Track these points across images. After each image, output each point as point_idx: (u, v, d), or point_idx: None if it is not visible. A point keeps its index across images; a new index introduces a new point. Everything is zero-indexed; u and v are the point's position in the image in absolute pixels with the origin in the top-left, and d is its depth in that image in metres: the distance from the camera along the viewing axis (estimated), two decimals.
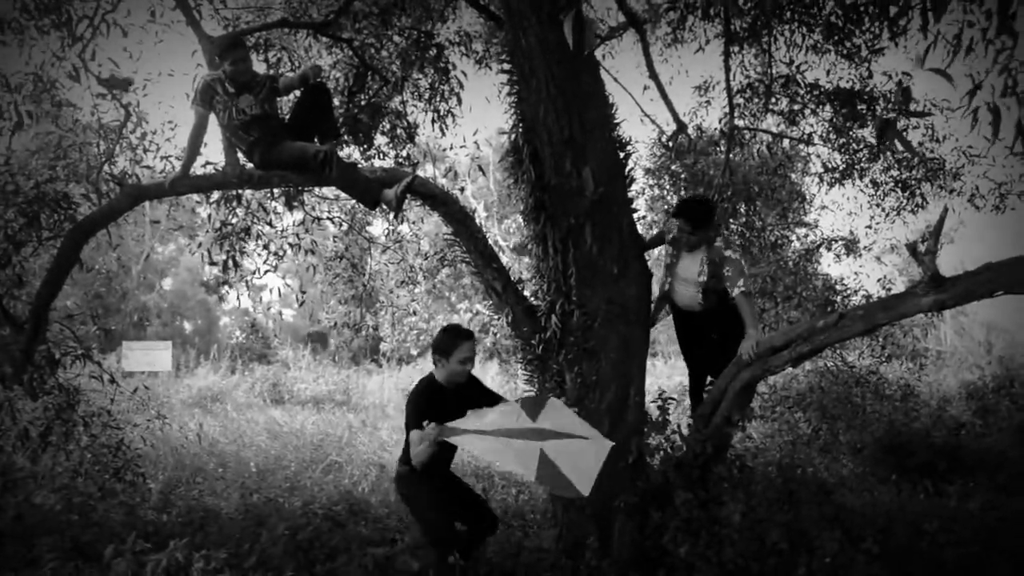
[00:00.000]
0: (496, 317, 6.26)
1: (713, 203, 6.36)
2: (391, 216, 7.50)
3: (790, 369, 10.02)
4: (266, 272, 7.90)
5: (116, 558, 5.39)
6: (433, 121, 8.02)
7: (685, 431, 5.79)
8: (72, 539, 6.38)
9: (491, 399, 5.39)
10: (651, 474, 5.77)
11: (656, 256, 6.73)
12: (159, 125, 7.76)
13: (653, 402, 5.96)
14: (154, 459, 9.62)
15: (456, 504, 5.33)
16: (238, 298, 7.98)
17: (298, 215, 7.93)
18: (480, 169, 7.78)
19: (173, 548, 5.30)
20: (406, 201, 6.36)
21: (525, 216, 6.09)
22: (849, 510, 6.72)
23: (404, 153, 8.20)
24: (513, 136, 6.04)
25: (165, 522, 7.40)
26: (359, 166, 6.32)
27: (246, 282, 8.00)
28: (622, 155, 6.08)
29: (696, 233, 5.89)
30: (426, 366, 21.88)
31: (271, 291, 8.93)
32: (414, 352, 24.96)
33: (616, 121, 6.09)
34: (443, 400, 5.10)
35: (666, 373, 21.84)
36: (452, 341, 5.12)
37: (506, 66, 6.05)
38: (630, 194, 6.15)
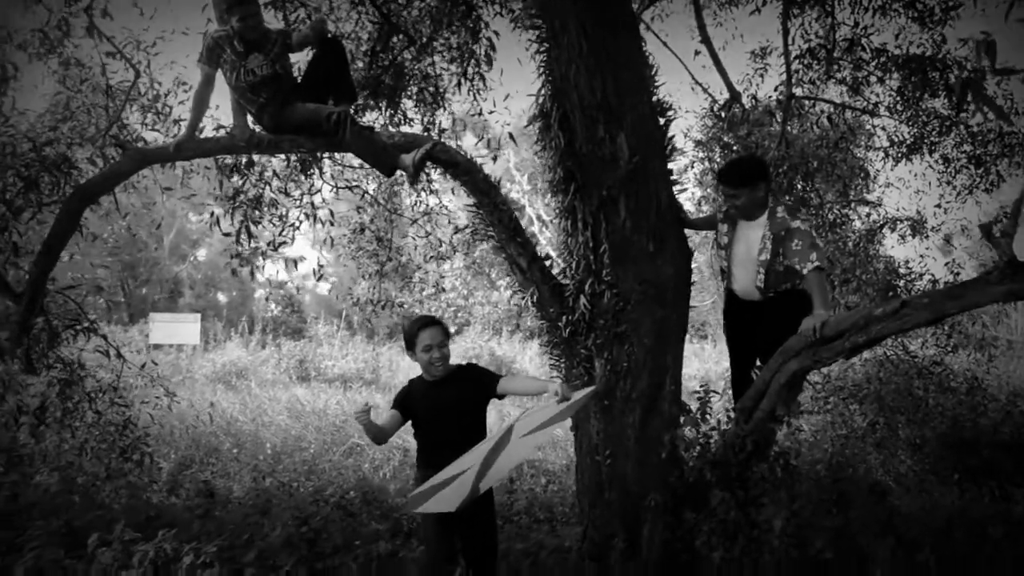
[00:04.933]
0: (522, 296, 5.76)
1: (758, 159, 5.68)
2: (407, 184, 7.04)
3: (855, 357, 9.46)
4: (280, 244, 7.48)
5: (101, 547, 5.07)
6: (458, 84, 7.50)
7: (726, 425, 5.27)
8: (67, 523, 6.05)
9: (487, 386, 4.89)
10: (686, 471, 5.27)
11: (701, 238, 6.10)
12: (171, 86, 7.35)
13: (695, 392, 5.42)
14: (168, 438, 9.33)
15: (461, 533, 4.85)
16: (251, 272, 7.56)
17: (316, 183, 7.51)
18: (511, 137, 7.28)
19: (161, 539, 4.97)
20: (427, 169, 5.93)
21: (553, 187, 5.55)
22: (904, 515, 6.17)
23: (433, 119, 7.71)
24: (541, 99, 5.50)
25: (170, 505, 7.08)
26: (376, 130, 5.85)
27: (262, 254, 7.60)
28: (662, 121, 5.51)
29: (740, 195, 5.23)
30: (463, 344, 21.77)
31: (293, 263, 8.51)
32: (452, 329, 24.50)
33: (656, 84, 5.53)
34: (426, 395, 4.84)
35: (714, 358, 21.27)
36: (414, 331, 4.86)
37: (536, 22, 5.50)
38: (670, 164, 5.58)
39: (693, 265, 5.79)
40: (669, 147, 5.56)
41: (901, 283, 8.61)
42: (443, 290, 10.12)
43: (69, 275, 7.79)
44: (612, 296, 5.36)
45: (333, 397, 13.85)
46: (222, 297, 37.10)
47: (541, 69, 5.46)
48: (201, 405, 11.25)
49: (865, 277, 8.45)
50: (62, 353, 6.80)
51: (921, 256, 9.08)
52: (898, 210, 9.57)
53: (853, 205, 9.31)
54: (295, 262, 8.20)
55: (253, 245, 7.41)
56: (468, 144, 8.53)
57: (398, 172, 5.92)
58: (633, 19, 5.48)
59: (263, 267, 7.83)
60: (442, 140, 6.84)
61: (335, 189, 7.74)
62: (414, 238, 8.90)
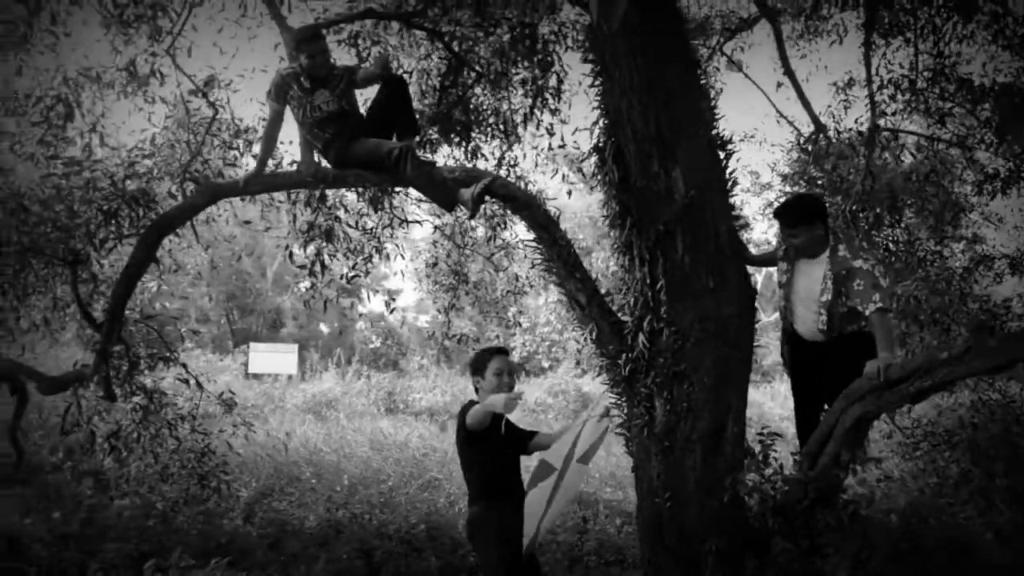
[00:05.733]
0: (582, 332, 5.69)
1: (813, 197, 5.55)
2: (468, 217, 7.09)
3: (940, 401, 8.99)
4: (353, 277, 7.61)
5: (157, 572, 5.19)
6: (525, 119, 7.51)
7: (791, 470, 5.07)
8: (137, 547, 6.21)
9: (520, 440, 5.29)
10: (748, 517, 5.08)
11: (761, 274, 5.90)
12: (252, 122, 7.58)
13: (759, 434, 5.24)
14: (251, 466, 9.50)
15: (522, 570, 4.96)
16: (325, 304, 7.74)
17: (386, 218, 7.61)
18: (581, 171, 7.28)
19: (213, 567, 5.06)
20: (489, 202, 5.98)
21: (610, 222, 5.47)
22: (988, 566, 5.82)
23: (504, 154, 7.74)
24: (596, 133, 5.46)
25: (244, 533, 7.19)
26: (437, 165, 5.90)
27: (338, 288, 7.75)
28: (722, 155, 5.37)
29: (798, 234, 5.12)
30: (551, 379, 21.58)
31: (372, 296, 8.63)
32: (545, 364, 24.33)
33: (716, 116, 5.41)
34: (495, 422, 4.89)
35: (785, 392, 20.67)
36: (485, 357, 5.06)
37: (589, 56, 5.46)
38: (732, 199, 5.45)
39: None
40: (731, 181, 5.43)
41: (997, 323, 8.15)
42: (520, 325, 10.05)
43: (157, 305, 8.03)
44: (671, 334, 5.22)
45: (416, 430, 13.91)
46: (324, 328, 37.75)
47: (596, 103, 5.41)
48: (285, 435, 11.45)
49: (957, 317, 8.03)
50: (144, 381, 7.02)
51: (1020, 295, 8.62)
52: (994, 247, 9.10)
53: (947, 241, 8.89)
54: (369, 294, 8.27)
55: (327, 278, 7.57)
56: (546, 178, 8.47)
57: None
58: (688, 50, 5.35)
59: (336, 299, 7.96)
60: (506, 175, 6.87)
61: (405, 223, 7.82)
62: (489, 273, 8.92)
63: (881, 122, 7.97)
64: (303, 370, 23.95)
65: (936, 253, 8.62)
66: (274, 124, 5.87)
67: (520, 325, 10.43)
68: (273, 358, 23.65)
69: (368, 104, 6.00)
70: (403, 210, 7.81)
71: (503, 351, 5.23)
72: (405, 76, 7.14)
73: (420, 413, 17.18)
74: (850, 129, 8.55)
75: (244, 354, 24.25)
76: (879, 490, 7.87)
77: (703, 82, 5.63)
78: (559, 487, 4.99)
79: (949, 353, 4.41)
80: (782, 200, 7.01)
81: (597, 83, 5.36)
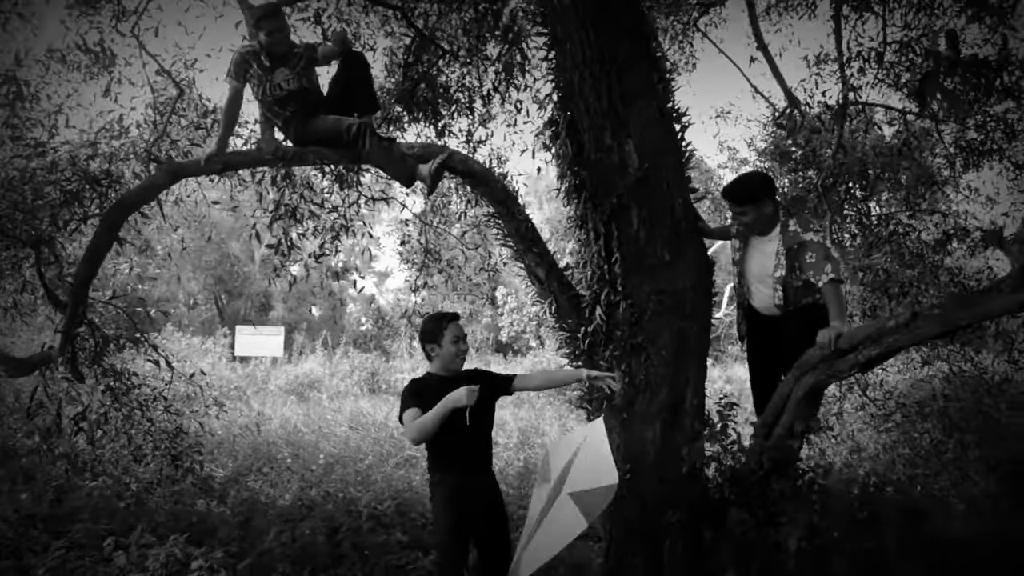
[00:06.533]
0: (542, 306, 5.69)
1: (761, 175, 5.55)
2: (427, 193, 7.06)
3: (913, 373, 8.98)
4: (321, 256, 7.59)
5: (117, 551, 5.21)
6: (489, 95, 7.48)
7: (748, 440, 5.09)
8: (106, 527, 6.22)
9: (499, 385, 4.96)
10: (706, 488, 5.10)
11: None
12: (219, 102, 7.53)
13: (719, 401, 5.25)
14: (229, 447, 9.53)
15: (478, 547, 4.89)
16: (292, 283, 7.77)
17: (352, 195, 7.58)
18: (546, 147, 7.22)
19: (172, 544, 5.08)
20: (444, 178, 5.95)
21: (565, 196, 5.47)
22: (948, 540, 5.83)
23: (481, 130, 7.72)
24: (549, 107, 5.45)
25: (217, 513, 7.22)
26: (396, 141, 5.89)
27: (306, 265, 7.72)
28: (678, 128, 5.36)
29: (747, 212, 5.11)
30: (532, 359, 21.51)
31: (355, 276, 8.61)
32: (533, 344, 24.20)
33: (672, 89, 5.40)
34: (443, 389, 4.63)
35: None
36: (438, 325, 4.84)
37: (541, 28, 5.45)
38: (688, 172, 5.44)
39: None
40: (687, 154, 5.42)
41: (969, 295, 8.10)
42: (492, 302, 10.05)
43: (132, 287, 8.02)
44: (627, 307, 5.23)
45: (396, 409, 13.77)
46: (315, 311, 37.77)
47: (550, 76, 5.40)
48: (268, 415, 11.49)
49: (930, 291, 8.00)
50: (113, 362, 7.01)
51: (990, 267, 8.60)
52: (966, 219, 9.05)
53: (920, 215, 8.84)
54: (336, 274, 8.22)
55: (295, 257, 7.55)
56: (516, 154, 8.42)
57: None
58: (641, 22, 5.31)
59: (308, 277, 7.95)
60: (473, 152, 6.85)
61: (370, 200, 7.79)
62: (463, 251, 8.90)
63: (852, 95, 7.93)
64: (290, 352, 24.00)
65: (909, 226, 8.60)
66: (234, 102, 5.81)
67: (494, 302, 10.43)
68: (259, 340, 23.68)
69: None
70: (370, 188, 7.80)
71: (456, 316, 5.05)
72: (369, 53, 7.13)
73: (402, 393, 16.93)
74: (820, 103, 8.52)
75: (226, 337, 24.29)
76: (843, 461, 7.89)
77: (659, 55, 5.61)
78: (545, 516, 4.22)
79: (896, 321, 4.43)
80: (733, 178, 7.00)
81: (551, 57, 5.35)
